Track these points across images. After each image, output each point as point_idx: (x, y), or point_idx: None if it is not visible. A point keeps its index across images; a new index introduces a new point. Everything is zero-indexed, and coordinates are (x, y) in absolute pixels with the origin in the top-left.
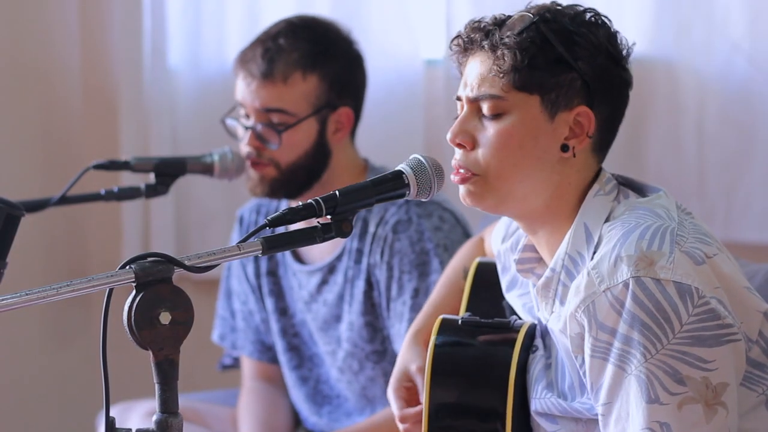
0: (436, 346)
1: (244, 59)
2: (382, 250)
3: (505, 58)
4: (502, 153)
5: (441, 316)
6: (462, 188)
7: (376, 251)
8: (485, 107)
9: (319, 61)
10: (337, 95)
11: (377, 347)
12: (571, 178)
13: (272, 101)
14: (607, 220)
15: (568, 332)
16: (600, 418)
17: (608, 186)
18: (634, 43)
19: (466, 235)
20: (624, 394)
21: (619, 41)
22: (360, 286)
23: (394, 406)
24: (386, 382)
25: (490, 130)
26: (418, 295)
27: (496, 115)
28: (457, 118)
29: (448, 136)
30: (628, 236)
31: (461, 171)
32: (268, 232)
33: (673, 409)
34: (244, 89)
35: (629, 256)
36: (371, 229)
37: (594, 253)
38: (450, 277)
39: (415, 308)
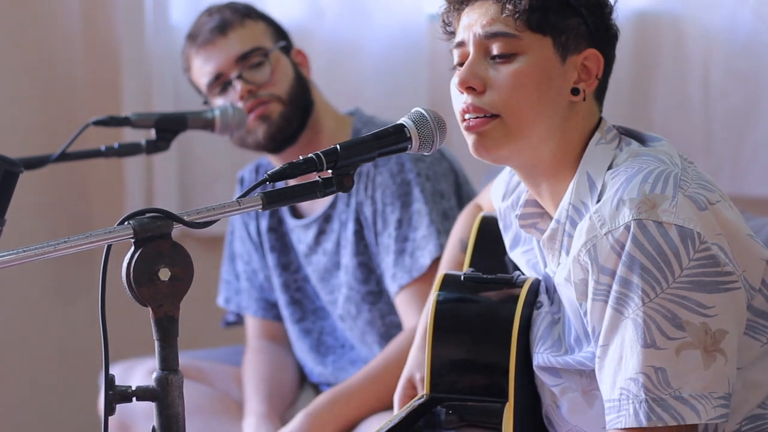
0: (438, 302)
1: (195, 37)
2: (365, 186)
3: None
4: (519, 92)
5: (443, 272)
6: (474, 138)
7: (361, 189)
8: (497, 47)
9: (253, 12)
10: (283, 37)
11: (372, 288)
12: (578, 125)
13: (243, 44)
14: (609, 168)
15: (572, 278)
16: (596, 361)
17: (609, 135)
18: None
19: (453, 170)
20: (620, 337)
21: None
22: (351, 227)
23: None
24: (384, 325)
25: (503, 71)
26: (402, 226)
27: (509, 57)
28: (457, 66)
29: (455, 80)
30: (631, 180)
31: (472, 117)
32: (268, 188)
33: (670, 354)
34: (214, 57)
35: (631, 199)
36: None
37: (598, 201)
38: (449, 251)
39: (399, 239)
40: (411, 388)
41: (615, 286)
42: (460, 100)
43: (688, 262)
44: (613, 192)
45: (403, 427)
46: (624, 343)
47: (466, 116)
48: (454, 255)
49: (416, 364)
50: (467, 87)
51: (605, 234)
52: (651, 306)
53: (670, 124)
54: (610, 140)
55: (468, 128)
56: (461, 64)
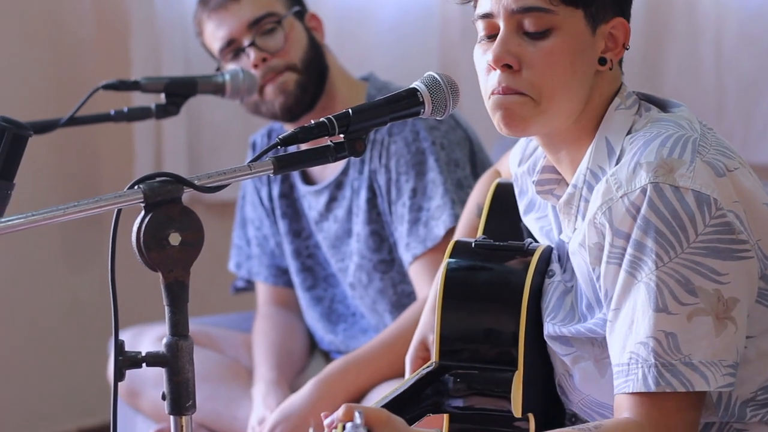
0: (448, 269)
1: (207, 1)
2: (380, 155)
3: None
4: (554, 71)
5: (455, 239)
6: (503, 114)
7: (375, 156)
8: (530, 23)
9: None
10: (297, 2)
11: (384, 256)
12: (601, 91)
13: (255, 9)
14: (628, 133)
15: (586, 243)
16: (607, 324)
17: (629, 100)
18: None
19: (468, 139)
20: (632, 301)
21: None
22: (363, 195)
23: (408, 375)
24: (395, 294)
25: (538, 48)
26: (416, 195)
27: (543, 33)
28: (485, 39)
29: (490, 57)
30: (649, 144)
31: (503, 95)
32: (280, 152)
33: (681, 320)
34: (226, 22)
35: (649, 162)
36: (370, 136)
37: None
38: (466, 217)
39: (413, 208)
40: (423, 350)
41: (629, 250)
42: (491, 78)
43: (703, 227)
44: (631, 156)
45: (412, 395)
46: (636, 307)
47: (498, 95)
48: (471, 220)
49: (429, 327)
50: (503, 65)
51: (621, 197)
52: (664, 270)
53: (681, 91)
54: (630, 105)
55: (497, 106)
56: (490, 38)
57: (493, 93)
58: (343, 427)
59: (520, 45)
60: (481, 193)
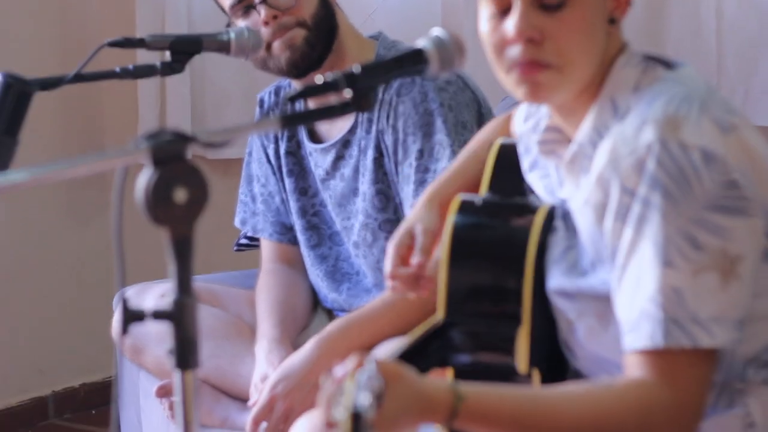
0: (454, 227)
1: None
2: (388, 115)
3: None
4: (576, 41)
5: (460, 196)
6: (528, 87)
7: (383, 117)
8: None
9: None
10: None
11: (390, 216)
12: (609, 51)
13: None
14: (633, 91)
15: (591, 200)
16: (614, 282)
17: (635, 59)
18: None
19: (476, 100)
20: (638, 257)
21: None
22: (371, 154)
23: (389, 262)
24: None
25: (558, 19)
26: (423, 156)
27: (560, 4)
28: (498, 13)
29: (510, 32)
30: (655, 101)
31: (532, 68)
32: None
33: (688, 276)
34: None
35: (655, 119)
36: (378, 95)
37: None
38: (474, 147)
39: (420, 169)
40: (409, 237)
41: (635, 207)
42: (511, 52)
43: (709, 184)
44: (637, 113)
45: (418, 350)
46: (642, 264)
47: (523, 69)
48: (479, 152)
49: (417, 217)
50: (526, 39)
51: (627, 154)
52: (670, 227)
53: (682, 53)
54: (635, 64)
55: (522, 80)
56: (503, 12)
57: (514, 66)
58: (354, 382)
59: (539, 17)
60: (493, 131)
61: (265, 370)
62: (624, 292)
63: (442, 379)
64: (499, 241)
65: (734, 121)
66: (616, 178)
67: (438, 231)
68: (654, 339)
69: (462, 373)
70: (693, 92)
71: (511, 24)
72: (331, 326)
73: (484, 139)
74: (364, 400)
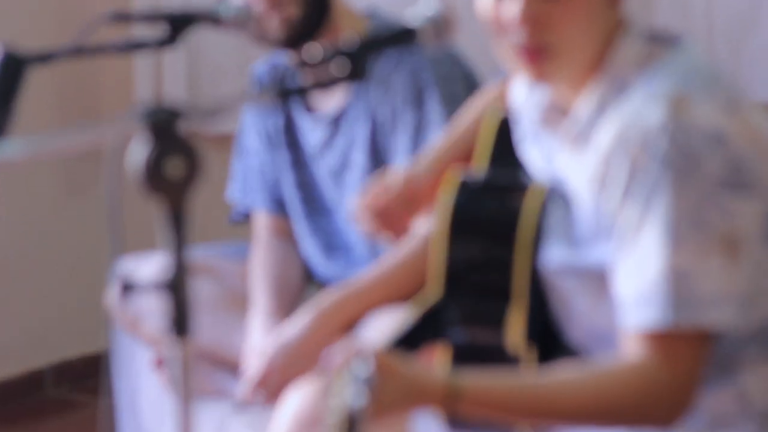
0: (453, 202)
1: None
2: (382, 89)
3: None
4: (576, 24)
5: (459, 172)
6: (532, 71)
7: (378, 89)
8: None
9: None
10: None
11: None
12: (611, 26)
13: None
14: (637, 68)
15: (595, 177)
16: (617, 260)
17: (638, 35)
18: None
19: (466, 75)
20: (643, 236)
21: None
22: (365, 127)
23: (363, 195)
24: None
25: (558, 4)
26: (417, 130)
27: None
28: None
29: (515, 15)
30: (661, 80)
31: (534, 50)
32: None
33: (694, 256)
34: None
35: (663, 98)
36: (372, 69)
37: (626, 101)
38: (467, 117)
39: (414, 141)
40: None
41: (643, 186)
42: (513, 35)
43: (716, 165)
44: (643, 91)
45: (416, 327)
46: (648, 243)
47: (525, 51)
48: (474, 120)
49: (409, 172)
50: (530, 23)
51: (635, 133)
52: (678, 207)
53: (670, 28)
54: (639, 41)
55: (525, 62)
56: None
57: (517, 51)
58: (348, 374)
59: (538, 1)
60: (491, 97)
61: (260, 342)
62: (627, 269)
63: (436, 368)
64: (496, 218)
65: (740, 101)
66: (624, 157)
67: (424, 191)
68: (658, 320)
69: (458, 351)
70: (701, 71)
71: (514, 7)
72: (327, 299)
73: (479, 104)
74: (360, 399)
